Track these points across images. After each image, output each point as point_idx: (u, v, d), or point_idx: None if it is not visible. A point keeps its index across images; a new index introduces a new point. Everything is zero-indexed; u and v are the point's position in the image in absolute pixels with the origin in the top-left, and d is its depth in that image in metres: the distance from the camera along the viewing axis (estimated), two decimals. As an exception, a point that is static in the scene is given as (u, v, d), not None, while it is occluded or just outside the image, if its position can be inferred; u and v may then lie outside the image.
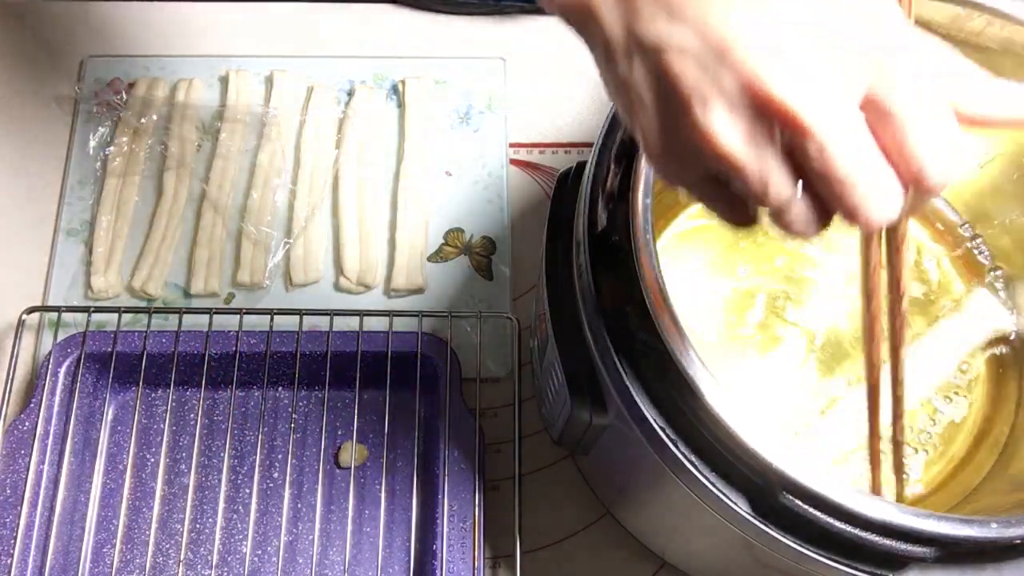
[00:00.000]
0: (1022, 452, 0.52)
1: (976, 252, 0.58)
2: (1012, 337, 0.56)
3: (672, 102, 0.31)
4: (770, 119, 0.30)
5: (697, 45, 0.30)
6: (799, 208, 0.31)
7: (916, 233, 0.59)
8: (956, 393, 0.55)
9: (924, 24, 0.49)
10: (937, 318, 0.56)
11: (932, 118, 0.30)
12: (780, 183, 0.31)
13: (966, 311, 0.56)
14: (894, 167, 0.30)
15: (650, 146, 0.33)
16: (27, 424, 0.61)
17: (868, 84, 0.30)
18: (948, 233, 0.59)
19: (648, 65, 0.31)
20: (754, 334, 0.56)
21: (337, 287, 0.69)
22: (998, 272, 0.58)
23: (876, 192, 0.30)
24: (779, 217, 0.32)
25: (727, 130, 0.30)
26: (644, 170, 0.43)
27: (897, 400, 0.45)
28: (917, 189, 0.30)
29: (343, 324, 0.65)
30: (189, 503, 0.61)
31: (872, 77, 0.30)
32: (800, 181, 0.31)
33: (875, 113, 0.30)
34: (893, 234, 0.38)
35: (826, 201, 0.31)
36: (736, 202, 0.34)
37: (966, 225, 0.59)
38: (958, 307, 0.56)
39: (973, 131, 0.31)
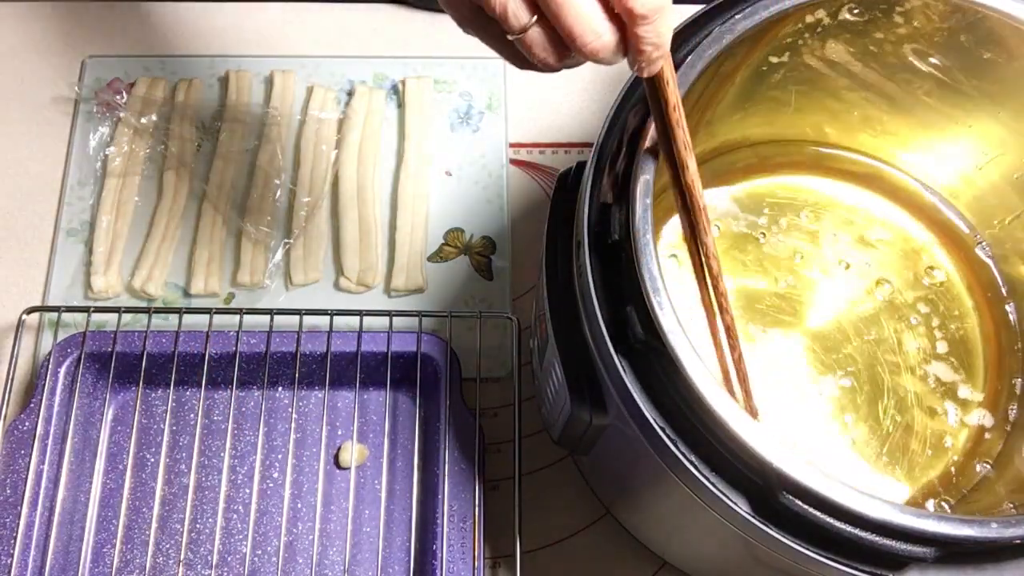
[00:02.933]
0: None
1: (981, 254, 0.58)
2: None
3: None
4: None
5: None
6: (534, 34, 0.36)
7: (921, 235, 0.59)
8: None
9: (923, 20, 0.50)
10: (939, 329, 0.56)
11: None
12: (516, 11, 0.35)
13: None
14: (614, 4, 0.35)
15: None
16: (27, 424, 0.61)
17: None
18: (952, 236, 0.59)
19: None
20: (754, 333, 0.56)
21: (337, 287, 0.69)
22: (1000, 271, 0.58)
23: (586, 20, 0.35)
24: (521, 43, 0.37)
25: None
26: (644, 170, 0.43)
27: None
28: (632, 21, 0.35)
29: (343, 324, 0.65)
30: (189, 503, 0.61)
31: None
32: (536, 13, 0.36)
33: None
34: (659, 91, 0.40)
35: (555, 28, 0.36)
36: (508, 42, 0.38)
37: (973, 230, 0.59)
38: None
39: None
